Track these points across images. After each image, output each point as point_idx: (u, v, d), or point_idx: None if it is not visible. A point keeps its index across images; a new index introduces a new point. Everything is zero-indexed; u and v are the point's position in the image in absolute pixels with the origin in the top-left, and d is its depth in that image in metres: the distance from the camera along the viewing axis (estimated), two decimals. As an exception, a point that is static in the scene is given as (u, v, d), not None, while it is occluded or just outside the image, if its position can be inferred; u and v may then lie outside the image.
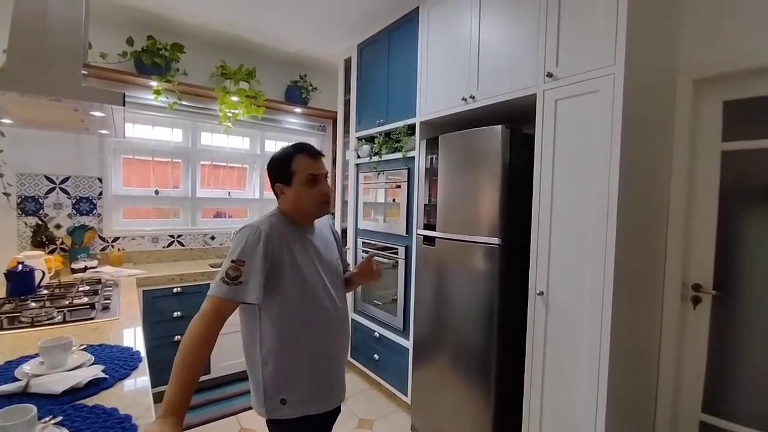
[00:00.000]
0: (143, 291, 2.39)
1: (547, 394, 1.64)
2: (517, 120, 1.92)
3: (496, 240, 1.75)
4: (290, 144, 1.23)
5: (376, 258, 1.45)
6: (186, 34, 2.97)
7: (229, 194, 3.39)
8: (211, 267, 2.81)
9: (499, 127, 1.75)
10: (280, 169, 1.18)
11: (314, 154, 1.20)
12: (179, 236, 3.08)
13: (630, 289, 1.51)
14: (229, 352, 2.70)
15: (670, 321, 1.74)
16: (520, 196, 1.72)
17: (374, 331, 2.69)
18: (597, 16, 1.44)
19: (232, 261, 1.02)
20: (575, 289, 1.53)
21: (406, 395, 2.38)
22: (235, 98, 3.01)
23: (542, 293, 1.63)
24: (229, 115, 3.04)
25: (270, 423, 1.16)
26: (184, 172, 3.19)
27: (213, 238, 3.23)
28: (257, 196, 3.52)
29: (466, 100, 1.97)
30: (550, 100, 1.60)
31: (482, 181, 1.82)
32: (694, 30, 1.65)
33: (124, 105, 1.50)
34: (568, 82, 1.53)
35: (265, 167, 1.24)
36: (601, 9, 1.42)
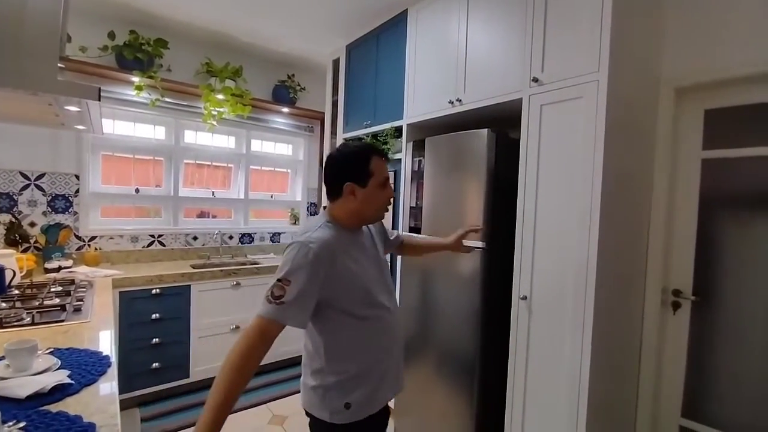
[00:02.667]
0: (120, 292, 2.32)
1: (529, 398, 1.64)
2: (503, 124, 1.92)
3: (480, 244, 1.75)
4: (352, 143, 1.18)
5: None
6: (170, 29, 2.91)
7: (213, 194, 3.32)
8: (193, 267, 2.75)
9: (485, 130, 1.74)
10: (356, 167, 1.09)
11: (386, 156, 1.16)
12: (160, 236, 3.01)
13: (612, 294, 1.52)
14: (209, 356, 2.64)
15: (651, 326, 1.76)
16: (505, 200, 1.72)
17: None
18: (582, 23, 1.45)
19: (279, 279, 0.97)
20: (558, 294, 1.53)
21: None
22: (220, 96, 2.96)
23: (526, 297, 1.63)
24: (214, 113, 2.98)
25: (332, 427, 1.09)
26: (166, 171, 3.11)
27: (195, 238, 3.15)
28: (242, 197, 3.46)
29: (453, 103, 1.97)
30: (535, 105, 1.60)
31: (468, 184, 1.82)
32: (677, 39, 1.68)
33: (99, 100, 1.44)
34: (553, 88, 1.54)
35: (329, 162, 1.13)
36: (587, 16, 1.43)
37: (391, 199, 1.18)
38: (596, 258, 1.40)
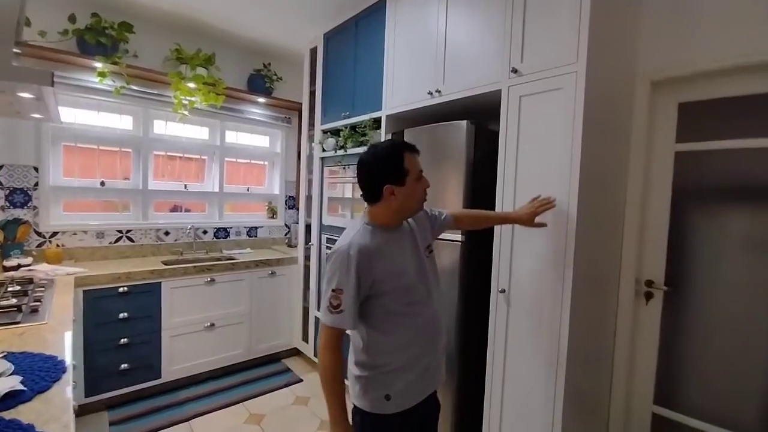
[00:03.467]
0: (84, 291, 2.20)
1: (507, 389, 1.64)
2: (483, 116, 1.90)
3: (458, 236, 1.73)
4: (380, 143, 1.20)
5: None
6: (136, 12, 2.75)
7: (185, 187, 3.19)
8: (164, 264, 2.63)
9: (464, 122, 1.72)
10: (392, 168, 1.10)
11: (416, 149, 1.17)
12: (128, 231, 2.87)
13: (589, 286, 1.53)
14: (182, 355, 2.56)
15: (624, 316, 1.79)
16: (485, 192, 1.71)
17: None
18: (562, 13, 1.43)
19: (333, 290, 1.06)
20: (537, 287, 1.53)
21: (370, 395, 2.33)
22: (191, 85, 2.83)
23: (504, 290, 1.62)
24: (185, 102, 2.85)
25: (372, 416, 1.14)
26: (134, 163, 2.96)
27: (167, 233, 3.03)
28: (216, 190, 3.34)
29: (432, 94, 1.94)
30: (514, 96, 1.58)
31: (447, 176, 1.79)
32: (652, 32, 1.69)
33: (52, 85, 1.34)
34: (532, 79, 1.52)
35: (363, 168, 1.15)
36: (566, 6, 1.42)
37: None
38: (574, 250, 1.41)
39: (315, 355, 2.88)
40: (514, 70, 1.57)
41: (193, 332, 2.60)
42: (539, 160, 1.51)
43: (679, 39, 1.62)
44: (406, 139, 2.00)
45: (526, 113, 1.55)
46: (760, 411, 1.53)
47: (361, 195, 1.19)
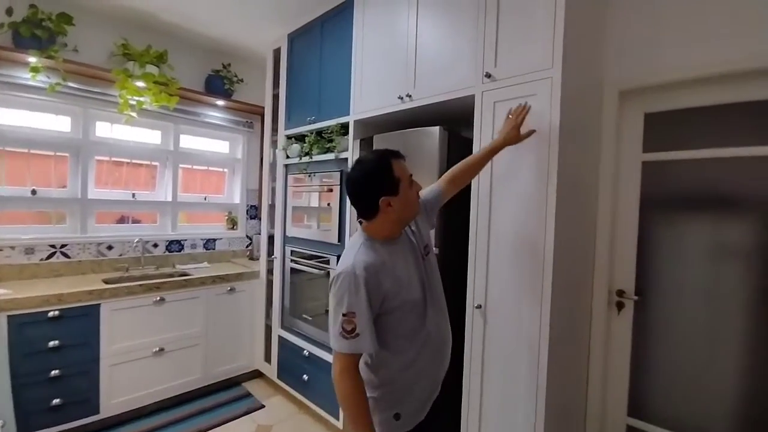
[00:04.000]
0: (8, 317, 1.90)
1: (485, 406, 1.56)
2: (456, 122, 1.84)
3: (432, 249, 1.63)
4: (370, 153, 1.16)
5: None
6: (78, 4, 2.48)
7: (133, 196, 2.90)
8: (105, 283, 2.35)
9: (436, 128, 1.64)
10: (384, 180, 1.08)
11: (402, 155, 1.15)
12: (63, 246, 2.55)
13: (565, 298, 1.48)
14: (124, 386, 2.28)
15: (598, 327, 1.76)
16: (459, 202, 1.62)
17: (303, 349, 2.44)
18: (536, 17, 1.39)
19: (344, 314, 1.02)
20: (514, 301, 1.46)
21: (338, 419, 2.18)
22: (140, 83, 2.58)
23: (480, 306, 1.54)
24: (132, 102, 2.60)
25: None
26: (72, 169, 2.65)
27: (110, 247, 2.73)
28: (170, 199, 3.07)
29: (402, 98, 1.85)
30: (488, 101, 1.52)
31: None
32: (619, 42, 1.69)
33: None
34: (506, 84, 1.47)
35: (354, 186, 1.11)
36: (540, 11, 1.38)
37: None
38: (552, 262, 1.35)
39: (278, 377, 2.68)
40: (488, 75, 1.51)
41: (138, 359, 2.32)
42: (515, 169, 1.45)
43: (645, 50, 1.62)
44: (376, 145, 1.90)
45: (501, 119, 1.48)
46: (728, 418, 1.53)
47: (357, 217, 1.16)
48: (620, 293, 1.75)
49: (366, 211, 1.11)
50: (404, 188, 1.09)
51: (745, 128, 1.50)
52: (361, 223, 1.15)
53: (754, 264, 1.48)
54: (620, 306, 1.76)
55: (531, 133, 1.36)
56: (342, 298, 1.02)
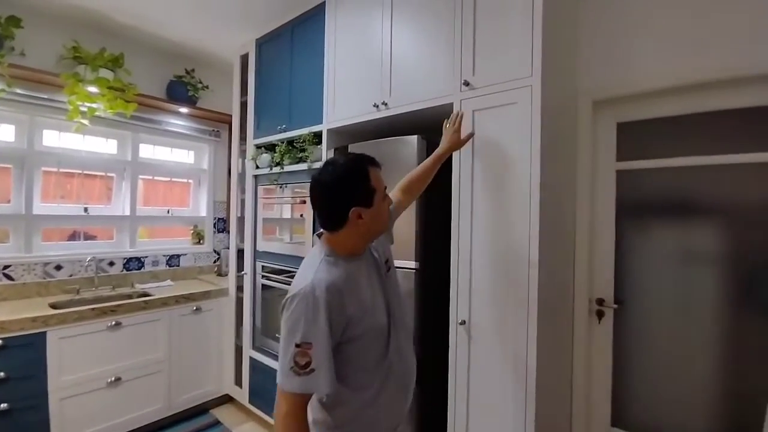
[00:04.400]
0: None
1: (472, 424, 1.49)
2: (432, 131, 1.78)
3: (412, 264, 1.57)
4: (344, 156, 1.01)
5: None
6: (27, 4, 2.28)
7: (86, 210, 2.67)
8: (52, 307, 2.12)
9: (414, 137, 1.58)
10: (359, 188, 0.95)
11: (378, 163, 1.02)
12: (6, 267, 2.29)
13: (550, 309, 1.45)
14: (78, 421, 2.06)
15: (580, 336, 1.74)
16: (439, 214, 1.57)
17: (277, 371, 2.29)
18: (513, 24, 1.37)
19: (297, 345, 0.86)
20: (499, 315, 1.41)
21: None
22: (92, 89, 2.38)
23: (464, 322, 1.48)
24: (84, 109, 2.39)
25: None
26: (16, 182, 2.40)
27: (59, 267, 2.48)
28: (127, 213, 2.85)
29: (378, 106, 1.78)
30: (467, 110, 1.48)
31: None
32: (592, 52, 1.70)
33: None
34: (485, 92, 1.43)
35: (322, 190, 0.97)
36: (518, 17, 1.35)
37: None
38: (537, 275, 1.31)
39: (250, 402, 2.51)
40: (466, 83, 1.47)
41: (92, 391, 2.09)
42: (497, 180, 1.41)
43: (617, 60, 1.64)
44: (350, 155, 1.82)
45: (480, 129, 1.45)
46: (708, 424, 1.53)
47: (319, 224, 1.01)
48: (600, 302, 1.75)
49: (331, 222, 0.97)
50: (378, 201, 0.97)
51: (714, 137, 1.53)
52: (320, 236, 1.02)
53: (724, 269, 1.51)
54: (600, 315, 1.75)
55: (471, 135, 1.44)
56: (296, 325, 0.87)
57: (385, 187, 1.02)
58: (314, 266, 0.94)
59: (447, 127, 1.42)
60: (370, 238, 1.03)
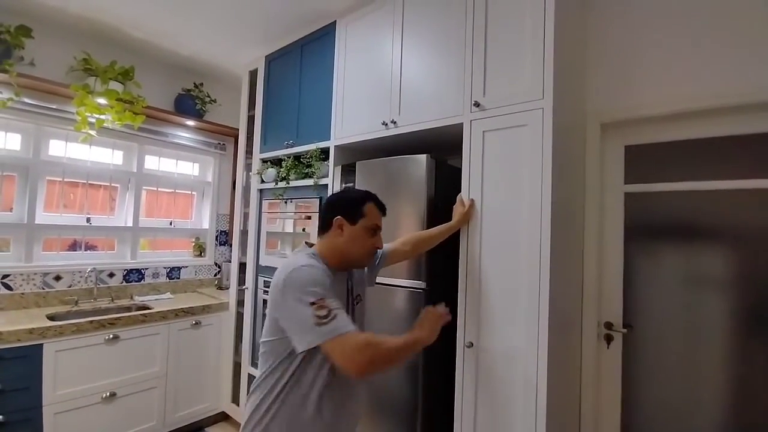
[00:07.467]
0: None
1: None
2: (443, 150, 1.79)
3: (420, 283, 1.54)
4: (356, 189, 1.27)
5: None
6: (39, 15, 2.31)
7: (88, 220, 2.65)
8: (50, 319, 2.08)
9: (424, 156, 1.58)
10: (350, 206, 1.13)
11: (383, 208, 1.19)
12: (5, 277, 2.26)
13: (560, 333, 1.42)
14: (68, 439, 1.99)
15: (588, 361, 1.70)
16: (448, 236, 1.55)
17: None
18: (524, 47, 1.38)
19: (311, 303, 0.91)
20: (508, 338, 1.38)
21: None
22: (101, 100, 2.40)
23: (472, 344, 1.44)
24: (92, 120, 2.40)
25: None
26: (20, 190, 2.40)
27: (59, 278, 2.45)
28: (130, 224, 2.83)
29: (386, 125, 1.79)
30: (477, 131, 1.48)
31: (404, 215, 1.62)
32: (600, 75, 1.72)
33: None
34: (496, 113, 1.43)
35: (326, 203, 1.20)
36: (528, 40, 1.37)
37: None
38: (548, 298, 1.28)
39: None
40: (477, 104, 1.47)
41: (87, 406, 2.04)
42: (506, 201, 1.40)
43: (624, 84, 1.65)
44: (358, 172, 1.82)
45: (490, 149, 1.45)
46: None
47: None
48: (608, 326, 1.71)
49: (321, 225, 1.16)
50: (362, 228, 1.10)
51: (722, 162, 1.53)
52: (310, 245, 1.16)
53: (734, 294, 1.49)
54: (609, 339, 1.72)
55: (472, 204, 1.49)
56: (303, 289, 0.93)
57: (379, 228, 1.14)
58: (302, 257, 1.06)
59: (457, 205, 1.51)
60: (346, 260, 1.12)
